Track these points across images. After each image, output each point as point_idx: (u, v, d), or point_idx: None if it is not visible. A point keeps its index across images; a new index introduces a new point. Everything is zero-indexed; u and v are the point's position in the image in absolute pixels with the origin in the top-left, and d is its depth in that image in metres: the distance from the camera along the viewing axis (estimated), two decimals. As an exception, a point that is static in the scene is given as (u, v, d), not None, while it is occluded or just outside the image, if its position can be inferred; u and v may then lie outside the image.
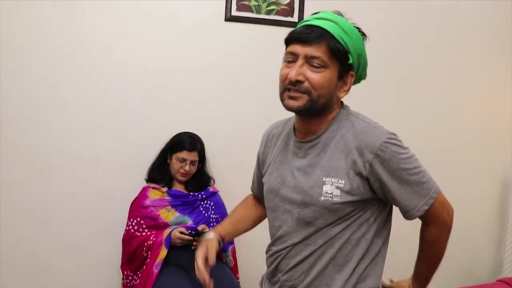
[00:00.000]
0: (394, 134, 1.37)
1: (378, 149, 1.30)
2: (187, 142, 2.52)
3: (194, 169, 2.55)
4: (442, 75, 3.14)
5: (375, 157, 1.31)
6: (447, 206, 1.47)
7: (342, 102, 1.46)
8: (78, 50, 2.64)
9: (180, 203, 2.52)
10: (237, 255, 2.65)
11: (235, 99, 2.82)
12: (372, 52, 2.91)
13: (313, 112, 1.36)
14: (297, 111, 1.36)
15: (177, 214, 2.50)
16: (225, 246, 2.49)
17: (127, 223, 2.52)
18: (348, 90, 1.40)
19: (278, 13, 2.84)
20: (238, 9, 2.78)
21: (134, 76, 2.71)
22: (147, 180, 2.63)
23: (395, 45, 3.05)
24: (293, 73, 1.31)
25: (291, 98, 1.33)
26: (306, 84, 1.31)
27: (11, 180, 2.60)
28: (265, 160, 1.58)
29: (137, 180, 2.64)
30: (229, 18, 2.78)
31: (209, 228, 2.46)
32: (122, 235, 2.53)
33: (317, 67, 1.32)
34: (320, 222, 1.36)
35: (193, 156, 2.51)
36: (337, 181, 1.34)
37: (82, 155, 2.68)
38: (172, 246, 2.38)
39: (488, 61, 3.20)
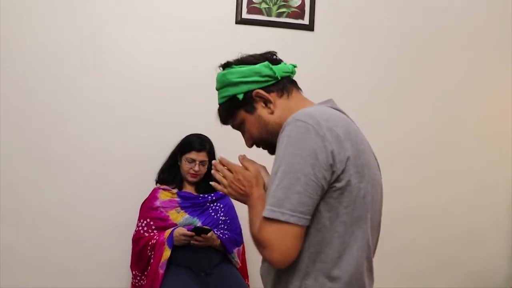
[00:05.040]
0: (311, 119, 1.17)
1: (282, 128, 1.20)
2: (196, 142, 2.54)
3: (204, 169, 2.56)
4: (450, 76, 3.13)
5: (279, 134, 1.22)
6: (270, 245, 1.13)
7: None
8: (91, 51, 2.68)
9: (189, 204, 2.53)
10: (247, 258, 2.68)
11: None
12: (377, 53, 2.98)
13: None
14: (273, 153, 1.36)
15: (187, 215, 2.51)
16: (230, 248, 2.50)
17: (137, 224, 2.54)
18: (270, 102, 1.32)
19: (288, 15, 2.84)
20: (248, 12, 2.79)
21: (145, 78, 2.73)
22: (157, 182, 2.64)
23: (401, 47, 3.05)
24: (246, 143, 1.41)
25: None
26: (253, 140, 1.38)
27: (22, 182, 2.63)
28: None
29: (148, 181, 2.65)
30: (240, 21, 2.79)
31: (216, 230, 2.48)
32: (132, 235, 2.54)
33: (241, 128, 1.39)
34: None
35: (202, 156, 2.53)
36: None
37: (94, 157, 2.70)
38: (178, 247, 2.40)
39: (494, 62, 3.19)
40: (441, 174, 3.11)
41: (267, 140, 1.35)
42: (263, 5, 2.80)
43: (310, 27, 2.89)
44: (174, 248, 2.39)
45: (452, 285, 3.12)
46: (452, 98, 3.13)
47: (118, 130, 2.72)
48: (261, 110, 1.34)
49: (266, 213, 1.12)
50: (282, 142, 1.16)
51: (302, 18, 2.88)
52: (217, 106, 1.40)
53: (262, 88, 1.33)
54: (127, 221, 2.64)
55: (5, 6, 2.57)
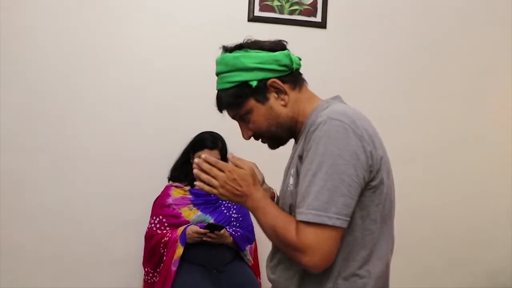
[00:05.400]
0: (346, 118, 1.13)
1: (314, 126, 1.14)
2: (208, 140, 2.54)
3: (215, 168, 2.56)
4: (463, 73, 3.11)
5: (309, 133, 1.16)
6: (311, 249, 1.09)
7: (314, 97, 1.34)
8: (101, 49, 2.69)
9: (202, 202, 2.54)
10: (259, 256, 2.68)
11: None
12: (389, 50, 2.96)
13: (288, 135, 1.32)
14: (276, 148, 1.36)
15: (199, 212, 2.51)
16: (242, 246, 2.51)
17: (149, 221, 2.55)
18: (285, 93, 1.27)
19: (301, 13, 2.84)
20: (261, 10, 2.79)
21: (158, 75, 2.74)
22: (170, 179, 2.65)
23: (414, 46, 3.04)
24: (243, 135, 1.34)
25: (265, 143, 1.35)
26: (255, 132, 1.31)
27: (35, 180, 2.65)
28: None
29: (161, 179, 2.67)
30: (252, 18, 2.79)
31: (228, 227, 2.48)
32: (145, 232, 2.56)
33: (245, 119, 1.30)
34: None
35: (215, 154, 2.53)
36: (292, 170, 1.24)
37: (107, 154, 2.72)
38: (191, 244, 2.41)
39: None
40: (453, 173, 3.09)
41: (275, 133, 1.30)
42: (276, 3, 2.80)
43: (322, 25, 2.88)
44: (187, 246, 2.40)
45: (463, 284, 3.10)
46: (465, 96, 3.10)
47: (130, 127, 2.73)
48: (274, 101, 1.27)
49: (311, 218, 1.07)
50: (319, 142, 1.11)
51: (315, 15, 2.87)
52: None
53: (277, 78, 1.26)
54: (139, 218, 2.66)
55: (15, 4, 2.59)
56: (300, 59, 1.34)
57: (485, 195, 3.11)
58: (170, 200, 2.53)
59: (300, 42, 2.82)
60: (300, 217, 1.10)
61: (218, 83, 1.31)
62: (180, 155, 2.64)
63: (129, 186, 2.74)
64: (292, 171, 1.23)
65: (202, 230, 2.35)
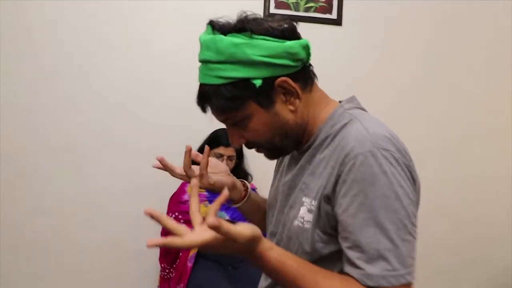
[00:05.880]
0: (393, 147, 0.93)
1: (352, 161, 0.91)
2: (223, 137, 2.55)
3: (231, 164, 2.57)
4: (478, 70, 3.08)
5: (344, 170, 0.93)
6: None
7: (326, 99, 1.11)
8: (121, 45, 2.71)
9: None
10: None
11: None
12: (405, 47, 2.94)
13: (293, 146, 1.09)
14: (275, 159, 1.14)
15: (215, 209, 2.52)
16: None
17: (165, 218, 2.57)
18: (298, 97, 1.02)
19: (316, 10, 2.83)
20: (276, 7, 2.79)
21: (174, 72, 2.76)
22: (186, 176, 2.67)
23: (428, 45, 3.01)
24: (232, 142, 1.08)
25: (261, 153, 1.11)
26: (250, 141, 1.06)
27: (51, 174, 2.68)
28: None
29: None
30: (267, 15, 2.79)
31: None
32: (161, 228, 2.58)
33: (239, 125, 1.04)
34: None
35: (230, 151, 2.54)
36: (310, 202, 1.01)
37: (123, 150, 2.74)
38: None
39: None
40: (467, 171, 3.07)
41: (277, 144, 1.05)
42: (291, 0, 2.80)
43: (338, 22, 2.87)
44: (203, 242, 2.41)
45: (479, 283, 3.08)
46: (480, 93, 3.07)
47: (146, 124, 2.76)
48: (281, 106, 1.01)
49: (408, 278, 0.87)
50: (377, 181, 0.88)
51: (330, 12, 2.86)
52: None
53: (289, 76, 0.99)
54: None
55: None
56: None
57: (500, 193, 3.09)
58: (186, 197, 2.55)
59: (316, 40, 2.82)
60: (397, 282, 0.87)
61: (203, 74, 1.01)
62: (196, 151, 2.65)
63: (145, 182, 2.76)
64: (311, 203, 1.00)
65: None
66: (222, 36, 0.97)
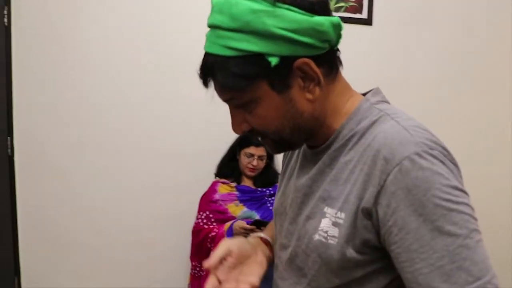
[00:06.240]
0: (438, 145, 0.81)
1: (397, 167, 0.77)
2: (254, 137, 2.57)
3: (262, 164, 2.59)
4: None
5: (388, 178, 0.78)
6: None
7: (351, 90, 0.96)
8: (151, 46, 2.73)
9: (248, 198, 2.57)
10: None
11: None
12: (436, 47, 2.91)
13: (304, 140, 0.95)
14: (279, 153, 1.00)
15: (245, 209, 2.55)
16: None
17: (196, 216, 2.60)
18: (319, 84, 0.85)
19: (346, 10, 2.82)
20: (306, 7, 2.78)
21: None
22: (216, 175, 2.70)
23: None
24: (234, 128, 0.94)
25: (265, 144, 0.96)
26: (255, 128, 0.90)
27: (84, 174, 2.73)
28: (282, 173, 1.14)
29: (207, 174, 2.71)
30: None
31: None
32: (192, 227, 2.61)
33: (245, 108, 0.88)
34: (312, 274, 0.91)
35: (261, 151, 2.56)
36: (335, 213, 0.86)
37: (154, 149, 2.78)
38: None
39: None
40: (499, 172, 3.01)
41: (287, 136, 0.89)
42: (321, 0, 2.79)
43: (368, 21, 2.85)
44: (233, 241, 2.43)
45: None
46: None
47: (177, 123, 2.78)
48: (297, 92, 0.84)
49: (495, 283, 0.75)
50: (433, 185, 0.75)
51: (360, 12, 2.85)
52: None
53: (313, 59, 0.83)
54: (186, 212, 2.72)
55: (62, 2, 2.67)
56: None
57: (500, 193, 3.03)
58: (217, 196, 2.57)
59: (346, 40, 2.81)
60: None
61: (210, 42, 0.84)
62: (227, 151, 2.68)
63: (176, 181, 2.80)
64: (337, 215, 0.85)
65: (248, 226, 2.38)
66: (245, 2, 0.79)
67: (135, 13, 2.70)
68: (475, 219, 0.77)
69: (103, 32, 2.69)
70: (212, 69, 0.83)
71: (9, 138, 2.60)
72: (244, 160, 2.57)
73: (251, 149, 2.55)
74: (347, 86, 0.94)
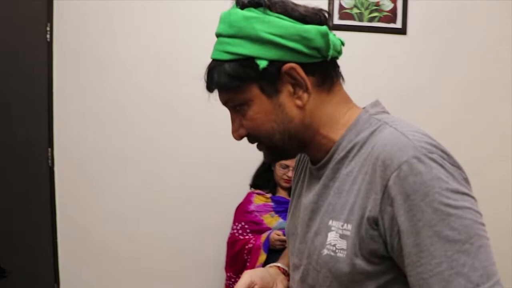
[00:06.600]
0: (437, 149, 0.80)
1: (396, 172, 0.77)
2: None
3: (297, 176, 2.59)
4: None
5: (388, 184, 0.78)
6: None
7: (353, 105, 0.97)
8: (185, 57, 2.75)
9: (283, 209, 2.57)
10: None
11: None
12: (471, 56, 2.86)
13: (297, 150, 0.97)
14: (274, 162, 1.08)
15: (280, 220, 2.55)
16: None
17: (232, 227, 2.62)
18: (306, 91, 0.89)
19: (380, 20, 2.81)
20: (340, 18, 2.79)
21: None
22: (252, 186, 2.71)
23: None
24: (233, 133, 0.98)
25: (261, 151, 1.00)
26: (251, 134, 0.94)
27: (121, 183, 2.78)
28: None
29: (243, 185, 2.73)
30: (332, 27, 2.76)
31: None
32: (227, 238, 2.62)
33: (240, 111, 0.92)
34: None
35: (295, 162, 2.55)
36: (342, 226, 0.85)
37: (188, 159, 2.81)
38: (273, 250, 2.44)
39: None
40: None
41: (277, 143, 0.92)
42: (355, 10, 2.79)
43: (402, 31, 2.83)
44: (270, 252, 2.44)
45: None
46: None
47: (212, 133, 2.81)
48: (286, 98, 0.88)
49: None
50: (432, 189, 0.75)
51: (394, 21, 2.83)
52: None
53: (300, 65, 0.87)
54: (221, 223, 2.74)
55: (95, 9, 2.73)
56: (343, 44, 0.95)
57: (500, 193, 2.92)
58: (252, 207, 2.58)
59: (380, 50, 2.81)
60: None
61: (215, 49, 0.91)
62: (262, 162, 2.68)
63: (211, 191, 2.82)
64: (343, 227, 0.85)
65: (285, 238, 2.38)
66: (238, 10, 0.87)
67: (171, 29, 2.75)
68: (480, 223, 0.76)
69: (139, 47, 2.75)
70: (212, 72, 0.90)
71: (49, 149, 2.68)
72: (279, 171, 2.58)
73: (286, 160, 2.56)
74: (346, 99, 0.95)
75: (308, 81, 0.87)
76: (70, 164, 2.73)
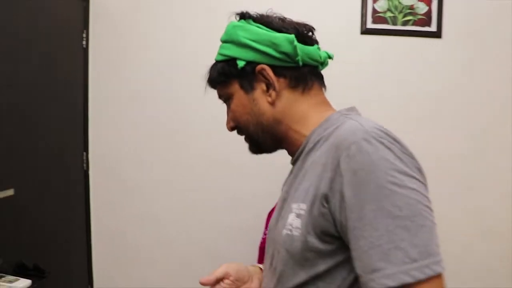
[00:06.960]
0: (389, 136, 0.86)
1: (345, 152, 0.84)
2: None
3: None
4: None
5: (339, 163, 0.84)
6: None
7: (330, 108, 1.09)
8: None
9: (314, 215, 2.55)
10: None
11: (371, 110, 2.78)
12: (509, 58, 2.79)
13: (273, 144, 1.11)
14: (255, 154, 1.16)
15: (311, 225, 2.53)
16: None
17: (264, 232, 2.61)
18: (273, 88, 1.03)
19: (415, 23, 2.77)
20: (373, 22, 2.76)
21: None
22: (284, 191, 2.69)
23: None
24: (226, 124, 1.15)
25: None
26: (238, 126, 1.12)
27: (152, 188, 2.81)
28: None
29: (276, 189, 2.70)
30: (365, 31, 2.77)
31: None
32: (259, 242, 2.62)
33: (228, 104, 1.12)
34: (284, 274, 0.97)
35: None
36: (298, 206, 0.93)
37: (222, 163, 2.82)
38: None
39: None
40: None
41: (254, 134, 1.08)
42: (388, 14, 2.76)
43: (437, 34, 2.78)
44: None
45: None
46: None
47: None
48: (260, 94, 1.05)
49: (434, 269, 0.75)
50: (377, 167, 0.79)
51: (429, 25, 2.79)
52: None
53: (272, 67, 1.03)
54: (253, 226, 2.73)
55: (129, 12, 2.78)
56: (330, 57, 1.11)
57: (500, 193, 2.80)
58: (283, 212, 2.57)
59: (414, 53, 2.77)
60: (400, 279, 0.74)
61: (217, 52, 1.12)
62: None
63: (243, 195, 2.83)
64: (300, 207, 0.92)
65: None
66: (234, 21, 1.08)
67: (207, 35, 2.77)
68: (425, 206, 0.79)
69: (173, 53, 2.78)
70: (210, 70, 1.11)
71: (84, 153, 2.73)
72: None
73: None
74: (324, 103, 1.08)
75: (276, 81, 1.02)
76: (104, 168, 2.78)
